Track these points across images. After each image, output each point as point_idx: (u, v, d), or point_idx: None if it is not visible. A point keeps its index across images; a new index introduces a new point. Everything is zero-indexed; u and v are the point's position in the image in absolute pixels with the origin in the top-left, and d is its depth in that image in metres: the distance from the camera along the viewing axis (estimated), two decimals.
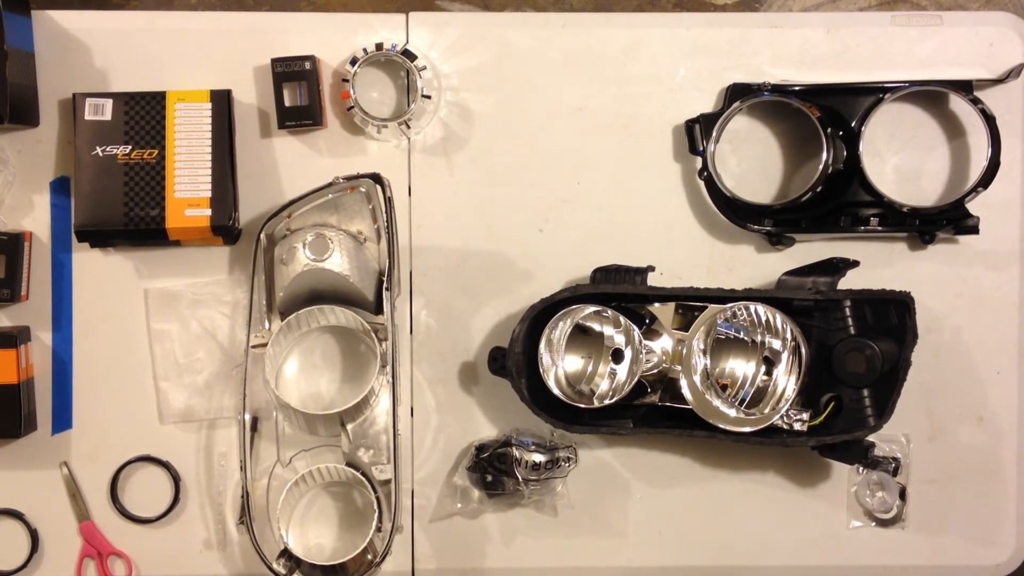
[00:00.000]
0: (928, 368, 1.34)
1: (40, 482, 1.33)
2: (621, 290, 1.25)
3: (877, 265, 1.34)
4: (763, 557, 1.35)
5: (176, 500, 1.33)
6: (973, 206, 1.29)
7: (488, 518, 1.34)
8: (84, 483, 1.33)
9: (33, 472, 1.33)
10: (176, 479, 1.33)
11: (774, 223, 1.31)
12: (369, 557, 1.24)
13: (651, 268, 1.27)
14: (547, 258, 1.34)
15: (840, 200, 1.31)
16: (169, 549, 1.33)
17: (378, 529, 1.23)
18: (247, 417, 1.27)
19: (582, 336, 1.26)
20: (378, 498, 1.24)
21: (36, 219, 1.33)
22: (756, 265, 1.35)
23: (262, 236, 1.26)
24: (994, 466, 1.35)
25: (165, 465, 1.33)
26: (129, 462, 1.33)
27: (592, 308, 1.24)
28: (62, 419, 1.33)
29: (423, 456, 1.35)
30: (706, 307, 1.25)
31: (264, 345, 1.25)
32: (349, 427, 1.26)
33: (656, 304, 1.27)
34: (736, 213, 1.32)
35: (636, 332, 1.24)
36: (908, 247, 1.35)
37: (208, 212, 1.27)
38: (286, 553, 1.22)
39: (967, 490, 1.35)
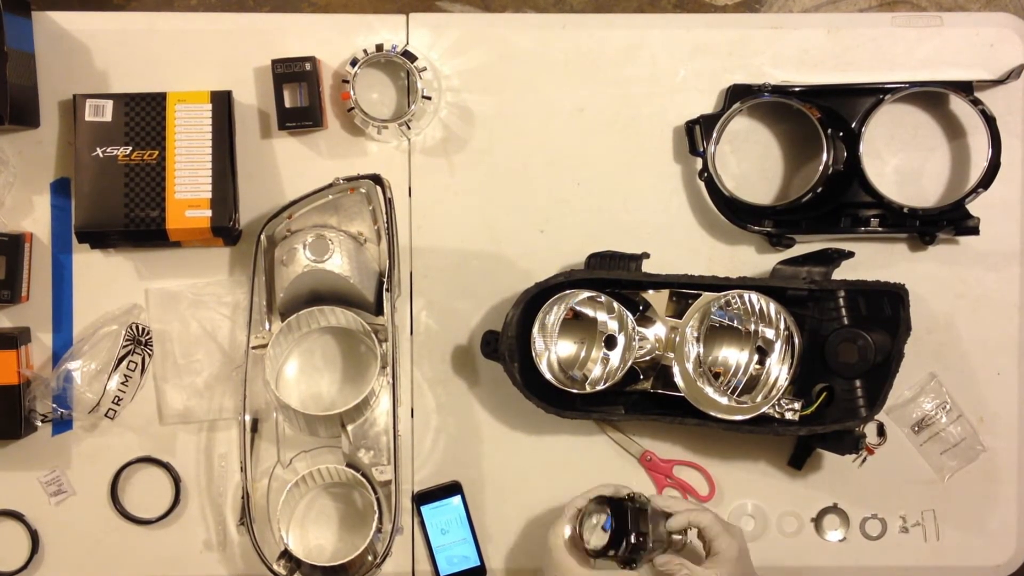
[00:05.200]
0: (928, 368, 1.34)
1: (40, 483, 1.33)
2: (616, 276, 1.25)
3: (877, 266, 1.34)
4: (755, 554, 1.35)
5: (176, 501, 1.33)
6: (973, 207, 1.29)
7: (488, 519, 1.35)
8: (84, 484, 1.33)
9: (34, 473, 1.33)
10: (176, 480, 1.33)
11: (774, 224, 1.32)
12: (369, 558, 1.24)
13: (646, 255, 1.27)
14: (547, 259, 1.34)
15: (840, 201, 1.31)
16: (169, 550, 1.34)
17: (378, 530, 1.23)
18: (247, 418, 1.27)
19: (576, 321, 1.27)
20: (378, 499, 1.24)
21: (36, 220, 1.33)
22: (756, 266, 1.35)
23: (262, 237, 1.26)
24: (994, 466, 1.35)
25: (165, 466, 1.33)
26: (129, 463, 1.33)
27: (586, 293, 1.24)
28: (62, 420, 1.33)
29: (423, 457, 1.35)
30: (700, 295, 1.26)
31: (264, 346, 1.25)
32: (349, 428, 1.26)
33: (650, 291, 1.27)
34: (736, 214, 1.32)
35: (630, 318, 1.24)
36: (908, 248, 1.36)
37: (208, 213, 1.27)
38: (286, 554, 1.22)
39: (967, 490, 1.35)
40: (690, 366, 1.24)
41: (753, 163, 1.36)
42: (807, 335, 1.25)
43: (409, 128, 1.32)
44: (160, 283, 1.34)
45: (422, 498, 1.33)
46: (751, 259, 1.35)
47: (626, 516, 1.12)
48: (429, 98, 1.31)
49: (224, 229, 1.28)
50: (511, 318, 1.23)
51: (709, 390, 1.24)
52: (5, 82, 1.24)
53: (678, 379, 1.25)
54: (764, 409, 1.23)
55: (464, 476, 1.34)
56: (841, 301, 1.26)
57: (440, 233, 1.36)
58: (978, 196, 1.27)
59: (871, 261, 1.34)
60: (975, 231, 1.30)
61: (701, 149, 1.31)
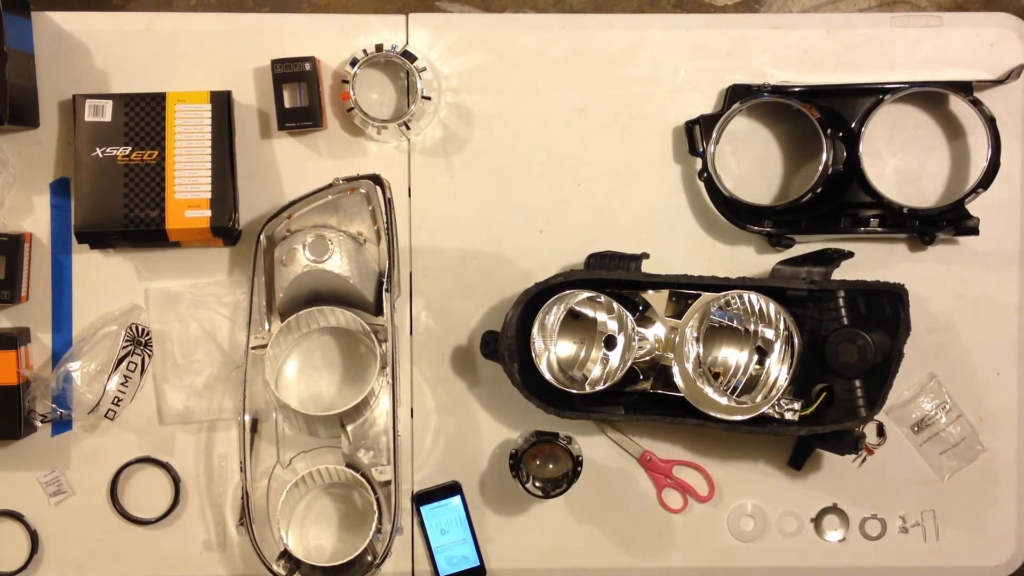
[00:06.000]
0: (928, 368, 1.34)
1: (40, 483, 1.33)
2: (615, 276, 1.25)
3: (877, 266, 1.34)
4: (755, 555, 1.35)
5: (176, 501, 1.33)
6: (973, 207, 1.29)
7: (488, 519, 1.35)
8: (84, 484, 1.33)
9: (33, 473, 1.33)
10: (176, 480, 1.33)
11: (774, 224, 1.32)
12: (369, 558, 1.24)
13: (646, 255, 1.27)
14: (547, 259, 1.34)
15: (840, 201, 1.31)
16: (169, 550, 1.34)
17: (378, 530, 1.23)
18: (247, 418, 1.27)
19: (575, 322, 1.27)
20: (378, 499, 1.24)
21: (36, 220, 1.33)
22: (756, 266, 1.35)
23: (262, 237, 1.26)
24: (994, 466, 1.35)
25: (165, 466, 1.33)
26: (129, 463, 1.33)
27: (586, 294, 1.24)
28: (62, 420, 1.33)
29: (423, 457, 1.35)
30: (700, 295, 1.26)
31: (264, 346, 1.25)
32: (349, 428, 1.26)
33: (650, 291, 1.28)
34: (736, 214, 1.32)
35: (629, 319, 1.24)
36: (908, 248, 1.36)
37: (208, 213, 1.27)
38: (286, 554, 1.22)
39: (966, 490, 1.35)
40: (690, 366, 1.24)
41: (753, 163, 1.36)
42: (807, 335, 1.25)
43: (409, 128, 1.32)
44: (160, 283, 1.34)
45: (422, 498, 1.33)
46: (751, 259, 1.35)
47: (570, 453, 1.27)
48: (429, 98, 1.31)
49: (224, 229, 1.27)
50: (511, 318, 1.23)
51: (709, 390, 1.24)
52: (5, 82, 1.23)
53: (678, 379, 1.25)
54: (764, 409, 1.23)
55: (464, 476, 1.34)
56: (841, 301, 1.26)
57: (440, 233, 1.36)
58: (978, 196, 1.27)
59: (871, 261, 1.34)
60: (975, 231, 1.30)
61: (701, 149, 1.31)
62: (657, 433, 1.35)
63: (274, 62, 1.30)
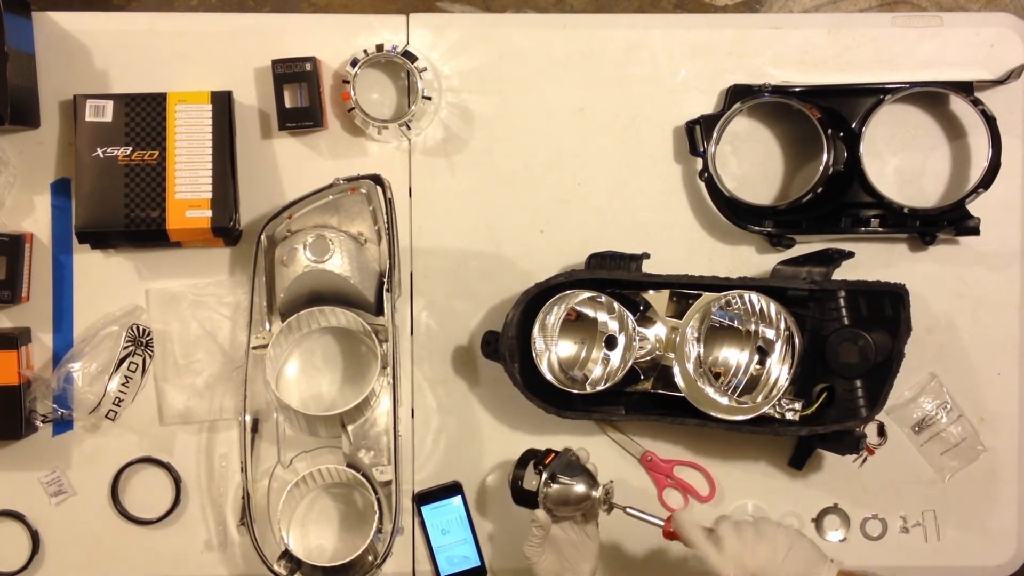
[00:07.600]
0: (929, 368, 1.34)
1: (41, 483, 1.33)
2: (616, 276, 1.26)
3: (878, 266, 1.34)
4: None
5: (177, 501, 1.33)
6: (974, 207, 1.29)
7: (489, 519, 1.35)
8: (85, 484, 1.33)
9: (34, 473, 1.33)
10: (177, 480, 1.33)
11: (775, 224, 1.32)
12: (370, 558, 1.24)
13: (646, 255, 1.27)
14: (548, 259, 1.34)
15: (841, 201, 1.31)
16: (170, 550, 1.34)
17: (379, 530, 1.23)
18: (248, 418, 1.27)
19: (576, 322, 1.27)
20: (379, 499, 1.24)
21: (37, 220, 1.33)
22: (757, 266, 1.35)
23: (263, 237, 1.26)
24: (994, 466, 1.35)
25: (166, 466, 1.33)
26: (130, 463, 1.33)
27: (587, 294, 1.24)
28: (63, 420, 1.33)
29: (424, 457, 1.35)
30: (700, 295, 1.26)
31: (265, 346, 1.25)
32: (350, 428, 1.26)
33: (651, 291, 1.28)
34: (737, 214, 1.32)
35: (630, 319, 1.24)
36: (909, 248, 1.36)
37: (209, 213, 1.27)
38: (287, 554, 1.22)
39: (967, 490, 1.35)
40: (690, 366, 1.24)
41: (753, 163, 1.36)
42: (807, 335, 1.25)
43: (409, 128, 1.32)
44: (161, 283, 1.34)
45: (422, 498, 1.33)
46: (751, 259, 1.35)
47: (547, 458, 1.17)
48: (429, 98, 1.31)
49: (224, 229, 1.27)
50: (511, 318, 1.23)
51: (709, 390, 1.24)
52: (5, 82, 1.24)
53: (678, 379, 1.25)
54: (764, 409, 1.23)
55: (464, 476, 1.34)
56: (842, 301, 1.26)
57: (440, 233, 1.36)
58: (978, 196, 1.27)
59: (871, 261, 1.34)
60: (975, 231, 1.30)
61: (701, 149, 1.31)
62: (658, 433, 1.35)
63: (275, 62, 1.30)
